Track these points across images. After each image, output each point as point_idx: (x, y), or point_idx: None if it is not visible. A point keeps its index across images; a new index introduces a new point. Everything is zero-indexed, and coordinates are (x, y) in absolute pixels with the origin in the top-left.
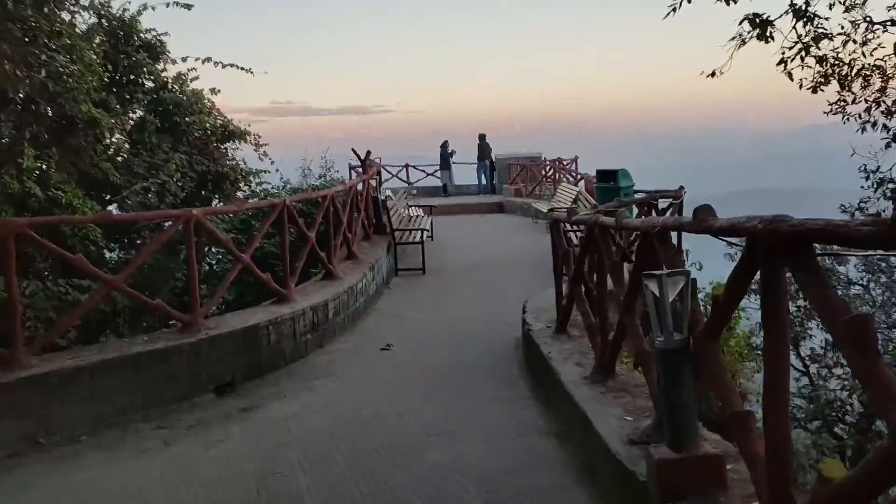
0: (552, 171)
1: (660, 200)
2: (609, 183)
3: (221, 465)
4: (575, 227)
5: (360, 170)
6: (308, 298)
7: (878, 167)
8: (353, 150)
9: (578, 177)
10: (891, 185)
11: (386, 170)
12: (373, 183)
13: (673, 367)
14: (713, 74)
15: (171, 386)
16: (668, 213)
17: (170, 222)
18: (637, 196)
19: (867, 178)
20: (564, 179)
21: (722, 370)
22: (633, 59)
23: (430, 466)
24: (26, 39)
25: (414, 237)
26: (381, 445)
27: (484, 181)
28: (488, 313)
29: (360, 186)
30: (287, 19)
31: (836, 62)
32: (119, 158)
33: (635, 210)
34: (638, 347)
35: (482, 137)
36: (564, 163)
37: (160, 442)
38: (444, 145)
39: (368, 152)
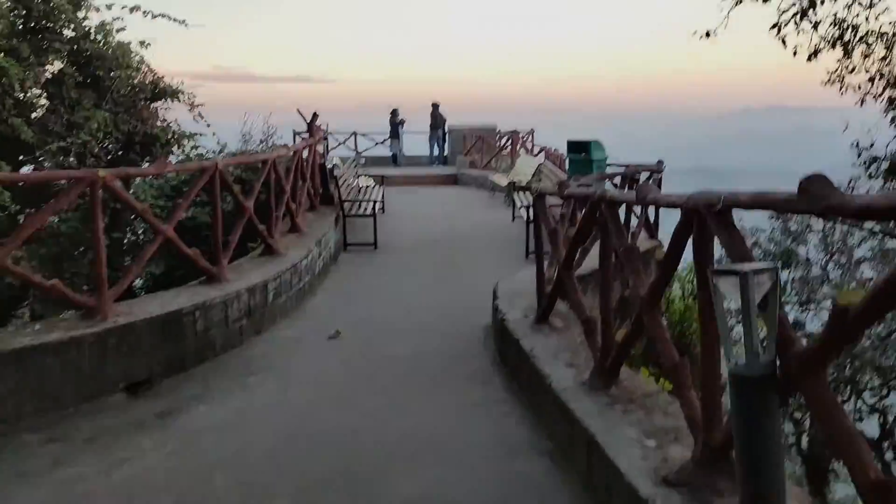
0: (509, 142)
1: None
2: (581, 154)
3: (124, 496)
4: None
5: (307, 135)
6: (244, 277)
7: (873, 144)
8: (298, 111)
9: (538, 150)
10: (885, 164)
11: (333, 137)
12: (319, 149)
13: (756, 402)
14: (707, 35)
15: (68, 386)
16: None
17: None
18: (609, 169)
19: (859, 156)
20: (522, 151)
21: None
22: (608, 28)
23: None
24: None
25: (365, 209)
26: (335, 471)
27: (437, 152)
28: (450, 296)
29: (305, 153)
30: None
31: (838, 26)
32: (33, 115)
33: (608, 184)
34: (671, 359)
35: (435, 106)
36: (521, 135)
37: (48, 461)
38: (394, 113)
39: (315, 115)
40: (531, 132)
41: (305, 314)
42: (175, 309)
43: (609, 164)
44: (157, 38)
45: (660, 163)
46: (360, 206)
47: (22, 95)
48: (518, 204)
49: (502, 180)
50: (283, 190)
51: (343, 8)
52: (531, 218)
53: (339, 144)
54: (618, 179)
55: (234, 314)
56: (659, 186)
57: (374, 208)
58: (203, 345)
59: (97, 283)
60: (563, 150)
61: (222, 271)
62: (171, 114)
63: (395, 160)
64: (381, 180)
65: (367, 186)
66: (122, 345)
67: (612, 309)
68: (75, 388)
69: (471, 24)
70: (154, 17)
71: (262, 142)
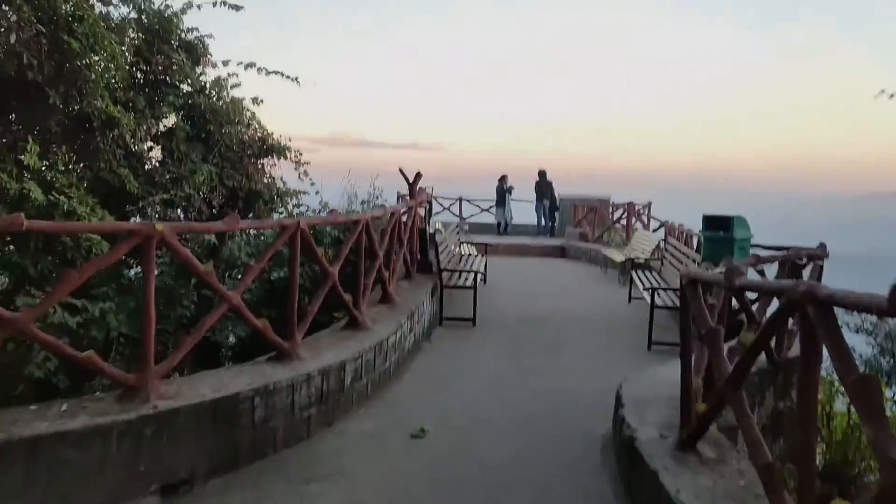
0: (625, 215)
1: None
2: (719, 232)
3: None
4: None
5: (408, 197)
6: (319, 356)
7: None
8: (400, 170)
9: (658, 225)
10: None
11: (437, 202)
12: (420, 212)
13: None
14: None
15: (89, 486)
16: (812, 278)
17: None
18: (756, 251)
19: None
20: (638, 225)
21: None
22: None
23: None
24: (36, 17)
25: (465, 280)
26: None
27: (544, 221)
28: (559, 390)
29: (404, 215)
30: (348, 47)
31: None
32: (146, 166)
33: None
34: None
35: (542, 174)
36: (637, 208)
37: None
38: (502, 180)
39: (418, 175)
40: (648, 205)
41: (388, 402)
42: (231, 393)
43: (753, 245)
44: (278, 104)
45: (822, 246)
46: (460, 276)
47: (134, 147)
48: (640, 285)
49: (617, 256)
50: (375, 255)
51: (460, 77)
52: (655, 303)
53: (444, 210)
54: (775, 266)
55: (303, 401)
56: (819, 277)
57: (475, 280)
58: (261, 438)
59: (142, 356)
60: (690, 225)
61: (295, 347)
62: (278, 171)
63: (500, 228)
64: (485, 249)
65: (469, 255)
66: (161, 435)
67: (813, 459)
68: (97, 488)
69: (578, 97)
70: (268, 73)
71: (364, 202)
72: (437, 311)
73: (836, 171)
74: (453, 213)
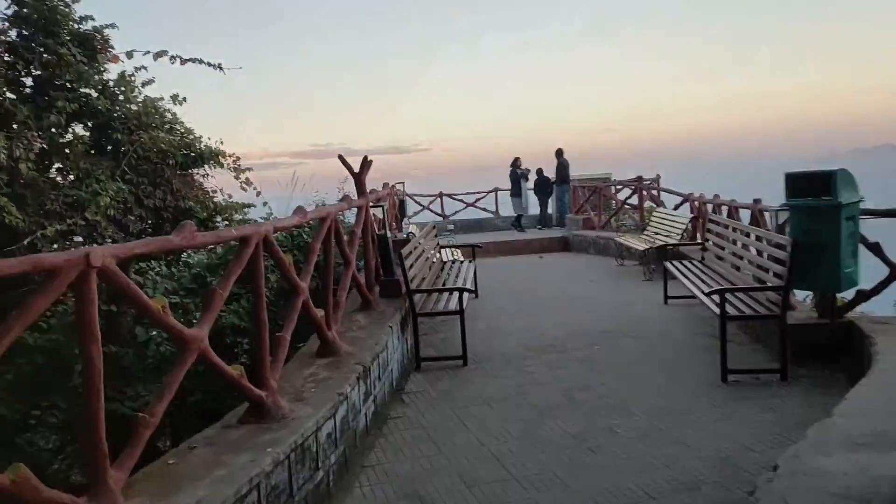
0: (635, 194)
1: None
2: (818, 198)
3: None
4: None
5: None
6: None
7: None
8: (339, 157)
9: (681, 202)
10: None
11: (415, 200)
12: (377, 214)
13: None
14: None
15: None
16: None
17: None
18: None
19: None
20: (651, 204)
21: None
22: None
23: None
24: None
25: (447, 303)
26: None
27: (550, 210)
28: (614, 480)
29: (351, 217)
30: (315, 58)
31: None
32: (33, 193)
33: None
34: None
35: (560, 153)
36: (648, 182)
37: None
38: (515, 164)
39: (367, 160)
40: (657, 179)
41: None
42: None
43: (864, 212)
44: (254, 124)
45: None
46: (439, 297)
47: (23, 167)
48: (689, 284)
49: (637, 243)
50: (297, 288)
51: (431, 78)
52: (727, 311)
53: (423, 209)
54: None
55: None
56: None
57: (461, 300)
58: None
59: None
60: (722, 195)
61: (273, 396)
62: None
63: (518, 224)
64: (473, 253)
65: (454, 262)
66: None
67: None
68: None
69: (556, 83)
70: (183, 62)
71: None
72: (412, 350)
73: (815, 130)
74: (435, 213)
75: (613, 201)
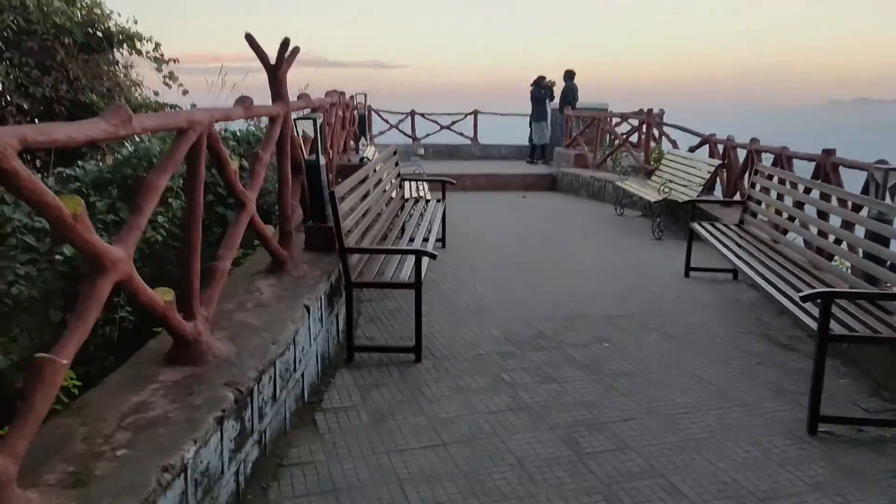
0: (641, 128)
1: None
2: None
3: None
4: None
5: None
6: None
7: None
8: (247, 36)
9: (700, 142)
10: None
11: (381, 117)
12: (305, 129)
13: None
14: None
15: None
16: None
17: None
18: None
19: None
20: (661, 146)
21: None
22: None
23: None
24: None
25: (399, 270)
26: None
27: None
28: None
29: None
30: None
31: None
32: None
33: None
34: None
35: (570, 76)
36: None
37: None
38: (539, 82)
39: (286, 44)
40: (661, 114)
41: None
42: None
43: None
44: (230, 25)
45: None
46: (386, 261)
47: None
48: (732, 255)
49: (646, 192)
50: (240, 200)
51: None
52: (830, 328)
53: (391, 127)
54: None
55: None
56: None
57: (417, 269)
58: None
59: None
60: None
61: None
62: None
63: (535, 153)
64: (443, 190)
65: (418, 201)
66: None
67: None
68: None
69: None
70: None
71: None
72: (344, 335)
73: (794, 80)
74: (404, 133)
75: (610, 135)
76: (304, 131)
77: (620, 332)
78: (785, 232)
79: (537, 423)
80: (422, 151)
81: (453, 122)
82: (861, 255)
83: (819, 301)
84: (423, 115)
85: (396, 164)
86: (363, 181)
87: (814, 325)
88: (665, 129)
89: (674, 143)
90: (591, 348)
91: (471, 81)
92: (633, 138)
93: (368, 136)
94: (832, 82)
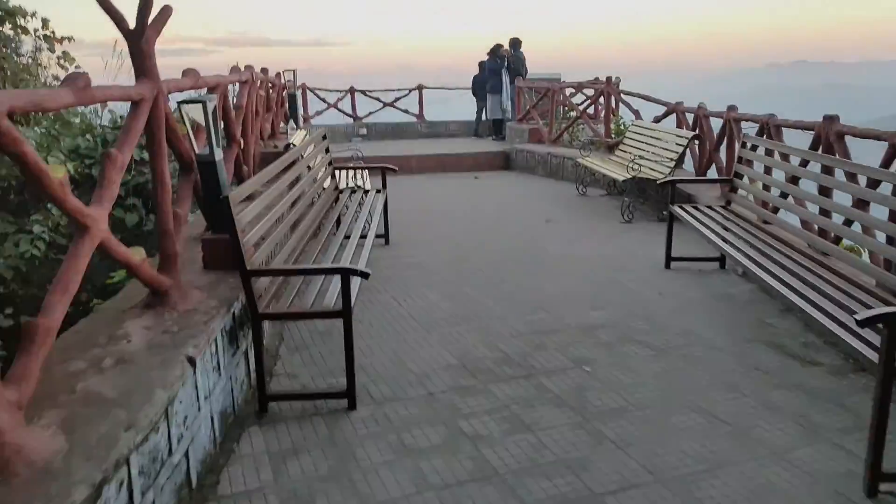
0: (599, 98)
1: None
2: None
3: None
4: None
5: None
6: None
7: None
8: None
9: (666, 112)
10: None
11: (318, 96)
12: (193, 113)
13: None
14: None
15: None
16: None
17: None
18: None
19: None
20: (622, 117)
21: None
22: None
23: None
24: None
25: (319, 296)
26: None
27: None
28: None
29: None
30: None
31: None
32: None
33: None
34: None
35: (516, 44)
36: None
37: None
38: (496, 51)
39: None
40: (617, 81)
41: None
42: None
43: None
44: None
45: None
46: (305, 283)
47: None
48: (726, 246)
49: (612, 169)
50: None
51: None
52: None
53: (329, 107)
54: None
55: None
56: None
57: (346, 295)
58: None
59: None
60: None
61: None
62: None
63: (499, 129)
64: (384, 179)
65: (355, 192)
66: None
67: None
68: None
69: None
70: None
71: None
72: (254, 379)
73: (734, 44)
74: (344, 113)
75: (565, 107)
76: (192, 118)
77: (602, 349)
78: (776, 210)
79: (509, 500)
80: (364, 131)
81: (397, 99)
82: (885, 240)
83: (881, 325)
84: (363, 91)
85: (328, 151)
86: (280, 175)
87: (869, 353)
88: (625, 98)
89: (636, 114)
90: (570, 375)
91: (419, 59)
92: (591, 110)
93: (300, 119)
94: (769, 46)
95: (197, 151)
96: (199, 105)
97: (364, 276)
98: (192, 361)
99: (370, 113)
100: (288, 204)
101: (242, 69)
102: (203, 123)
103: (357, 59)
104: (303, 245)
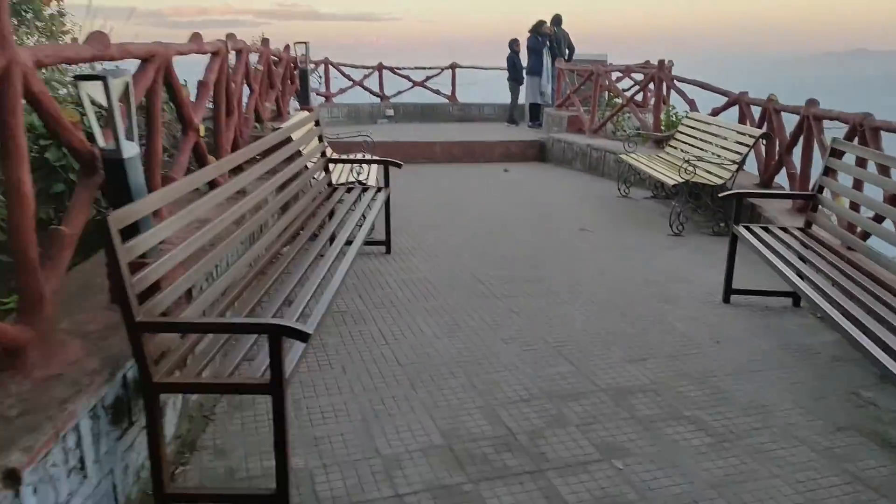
0: (649, 84)
1: None
2: None
3: None
4: None
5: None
6: None
7: None
8: None
9: (726, 103)
10: None
11: (343, 73)
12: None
13: None
14: None
15: None
16: None
17: None
18: None
19: None
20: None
21: None
22: None
23: None
24: None
25: (241, 366)
26: None
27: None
28: None
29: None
30: None
31: None
32: None
33: None
34: None
35: (558, 20)
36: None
37: None
38: (537, 29)
39: None
40: (670, 65)
41: None
42: None
43: None
44: None
45: None
46: (227, 345)
47: None
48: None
49: (662, 169)
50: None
51: None
52: None
53: (354, 85)
54: None
55: None
56: None
57: (275, 365)
58: None
59: None
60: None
61: None
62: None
63: (535, 115)
64: (386, 176)
65: (351, 189)
66: None
67: None
68: None
69: None
70: None
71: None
72: (158, 470)
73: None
74: (371, 91)
75: (608, 93)
76: (94, 99)
77: (640, 429)
78: (865, 237)
79: None
80: (391, 112)
81: (427, 78)
82: None
83: None
84: (392, 69)
85: (321, 139)
86: (237, 172)
87: None
88: (679, 85)
89: (691, 104)
90: (594, 474)
91: (462, 35)
92: (639, 97)
93: (311, 98)
94: (826, 34)
95: (102, 146)
96: (101, 83)
97: (301, 337)
98: (13, 476)
99: (399, 92)
100: (241, 213)
101: (255, 42)
102: (112, 111)
103: (404, 35)
104: (261, 265)
